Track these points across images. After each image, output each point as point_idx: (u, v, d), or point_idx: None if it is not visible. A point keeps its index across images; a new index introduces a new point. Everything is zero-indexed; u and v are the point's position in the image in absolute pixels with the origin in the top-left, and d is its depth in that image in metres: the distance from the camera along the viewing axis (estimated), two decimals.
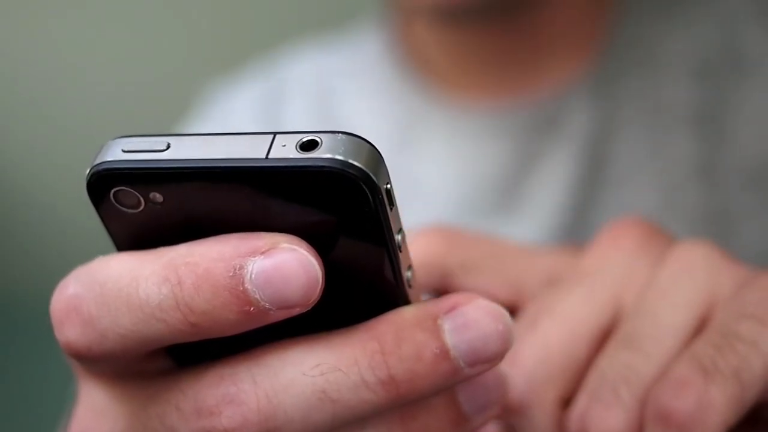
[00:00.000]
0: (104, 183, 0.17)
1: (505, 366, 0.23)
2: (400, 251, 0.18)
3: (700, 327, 0.23)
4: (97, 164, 0.17)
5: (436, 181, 0.49)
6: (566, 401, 0.24)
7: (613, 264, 0.25)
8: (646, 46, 0.48)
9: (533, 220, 0.47)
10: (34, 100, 1.46)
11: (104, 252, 0.19)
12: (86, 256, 0.19)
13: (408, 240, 0.25)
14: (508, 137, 0.48)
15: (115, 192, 0.17)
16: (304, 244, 0.17)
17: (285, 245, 0.17)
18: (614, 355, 0.23)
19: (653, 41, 0.48)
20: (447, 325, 0.18)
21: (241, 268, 0.17)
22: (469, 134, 0.49)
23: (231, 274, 0.17)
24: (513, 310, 0.25)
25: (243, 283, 0.17)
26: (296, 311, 0.17)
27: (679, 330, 0.23)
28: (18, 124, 1.50)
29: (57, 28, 1.36)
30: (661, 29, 0.48)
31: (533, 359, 0.23)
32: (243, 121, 0.55)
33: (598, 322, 0.24)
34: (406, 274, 0.19)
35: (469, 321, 0.18)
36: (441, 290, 0.26)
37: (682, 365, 0.21)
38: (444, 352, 0.18)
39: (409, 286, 0.19)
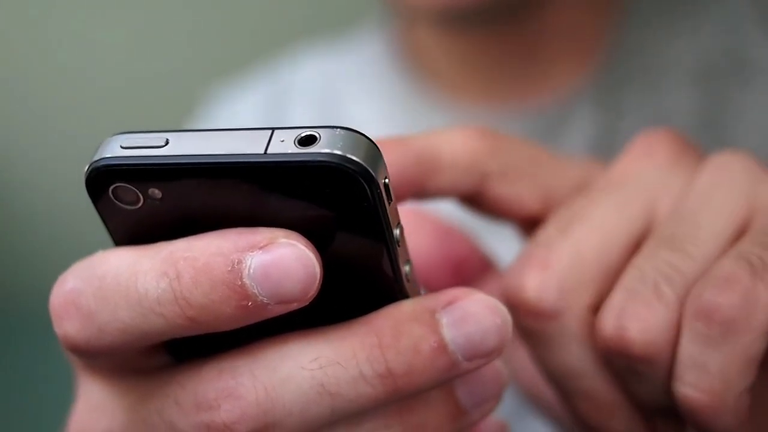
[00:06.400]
0: (103, 179, 0.17)
1: (536, 271, 0.22)
2: (399, 246, 0.18)
3: (739, 234, 0.22)
4: (96, 161, 0.17)
5: None
6: (597, 309, 0.23)
7: (647, 173, 0.24)
8: (649, 53, 0.48)
9: None
10: (36, 100, 1.46)
11: (104, 249, 0.19)
12: (86, 253, 0.19)
13: (447, 136, 0.24)
14: None
15: (113, 188, 0.18)
16: (302, 239, 0.17)
17: (283, 240, 0.17)
18: (655, 254, 0.22)
19: (656, 48, 0.48)
20: (445, 319, 0.18)
21: (240, 262, 0.17)
22: None
23: (229, 268, 0.17)
24: (541, 220, 0.25)
25: (241, 278, 0.17)
26: (294, 306, 0.17)
27: (719, 234, 0.22)
28: (19, 124, 1.50)
29: (60, 30, 1.37)
30: (664, 36, 0.48)
31: (566, 265, 0.22)
32: (247, 125, 0.55)
33: (630, 230, 0.23)
34: (405, 268, 0.19)
35: (467, 315, 0.18)
36: (477, 193, 0.25)
37: (728, 262, 0.21)
38: (442, 346, 0.18)
39: (407, 280, 0.19)
